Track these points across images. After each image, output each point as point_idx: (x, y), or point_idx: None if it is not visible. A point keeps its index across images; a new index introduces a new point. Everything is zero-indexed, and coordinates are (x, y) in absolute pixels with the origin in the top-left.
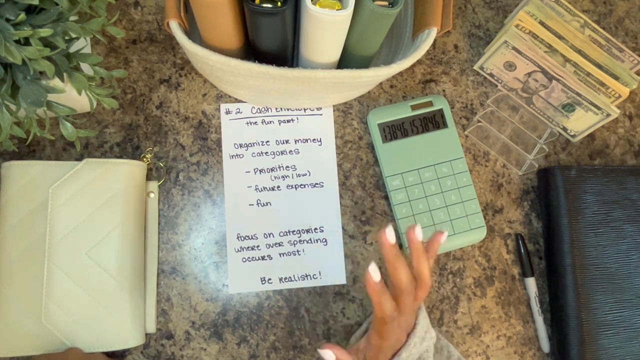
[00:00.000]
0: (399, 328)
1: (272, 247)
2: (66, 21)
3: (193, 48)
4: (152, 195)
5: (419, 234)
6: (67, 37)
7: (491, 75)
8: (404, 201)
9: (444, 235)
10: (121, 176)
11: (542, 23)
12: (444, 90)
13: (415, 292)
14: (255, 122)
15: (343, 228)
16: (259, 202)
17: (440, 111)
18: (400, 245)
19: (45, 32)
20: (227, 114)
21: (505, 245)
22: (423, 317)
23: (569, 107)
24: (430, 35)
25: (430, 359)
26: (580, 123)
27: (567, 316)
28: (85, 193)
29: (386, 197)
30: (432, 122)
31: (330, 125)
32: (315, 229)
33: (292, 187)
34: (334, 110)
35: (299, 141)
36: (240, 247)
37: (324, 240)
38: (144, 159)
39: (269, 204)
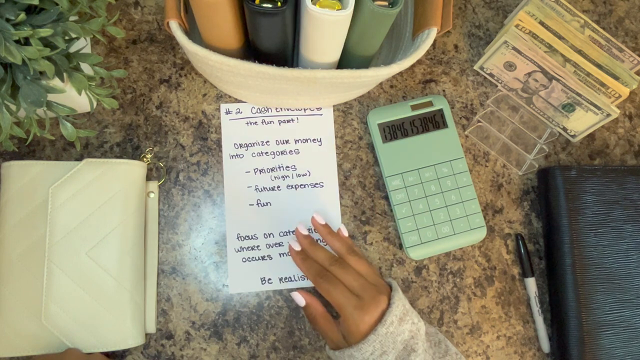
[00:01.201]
0: (354, 293)
1: (272, 247)
2: (66, 21)
3: (193, 48)
4: (152, 195)
5: (319, 219)
6: (67, 37)
7: (491, 75)
8: (404, 201)
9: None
10: (121, 176)
11: (542, 23)
12: (444, 90)
13: (343, 252)
14: (255, 122)
15: None
16: (259, 202)
17: (440, 111)
18: (400, 245)
19: (45, 32)
20: (227, 114)
21: (505, 245)
22: (399, 297)
23: (569, 107)
24: (430, 35)
25: (419, 347)
26: (580, 123)
27: (567, 316)
28: (85, 193)
29: (386, 197)
30: (432, 122)
31: (330, 125)
32: (309, 228)
33: (292, 187)
34: (334, 110)
35: (299, 141)
36: (240, 247)
37: (324, 240)
38: (144, 159)
39: (269, 204)
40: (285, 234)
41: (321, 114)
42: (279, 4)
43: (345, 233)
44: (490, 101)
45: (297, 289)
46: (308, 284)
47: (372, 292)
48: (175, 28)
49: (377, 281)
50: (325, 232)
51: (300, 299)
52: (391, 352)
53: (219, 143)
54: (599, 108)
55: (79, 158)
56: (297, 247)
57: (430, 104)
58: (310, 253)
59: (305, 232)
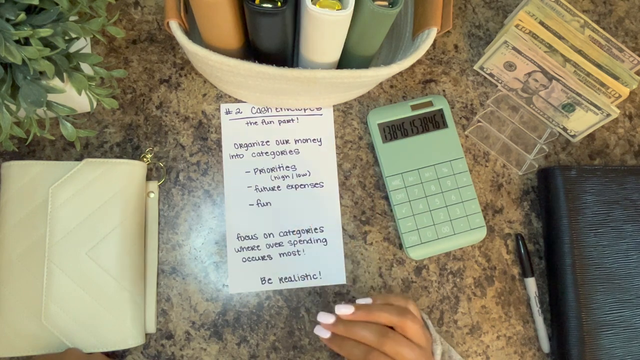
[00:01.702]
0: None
1: (272, 247)
2: (66, 21)
3: (193, 48)
4: (152, 195)
5: (345, 310)
6: (67, 37)
7: (491, 75)
8: (404, 201)
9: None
10: (121, 176)
11: (542, 23)
12: (444, 90)
13: (394, 320)
14: (255, 122)
15: (343, 228)
16: (259, 202)
17: (440, 111)
18: (400, 245)
19: (45, 32)
20: (227, 114)
21: (505, 245)
22: (438, 348)
23: (569, 107)
24: (430, 35)
25: None
26: (580, 123)
27: (567, 316)
28: (85, 193)
29: (386, 197)
30: (432, 122)
31: (330, 125)
32: (315, 229)
33: (292, 187)
34: (334, 110)
35: (299, 141)
36: (240, 247)
37: (324, 240)
38: (144, 159)
39: (269, 204)
40: (285, 234)
41: (321, 114)
42: (279, 4)
43: (348, 310)
44: (490, 101)
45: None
46: (308, 283)
47: (427, 335)
48: (175, 28)
49: (427, 341)
50: (366, 314)
51: (323, 333)
52: None
53: (219, 143)
54: (599, 108)
55: (79, 158)
56: (326, 334)
57: (430, 104)
58: (350, 336)
59: (332, 320)
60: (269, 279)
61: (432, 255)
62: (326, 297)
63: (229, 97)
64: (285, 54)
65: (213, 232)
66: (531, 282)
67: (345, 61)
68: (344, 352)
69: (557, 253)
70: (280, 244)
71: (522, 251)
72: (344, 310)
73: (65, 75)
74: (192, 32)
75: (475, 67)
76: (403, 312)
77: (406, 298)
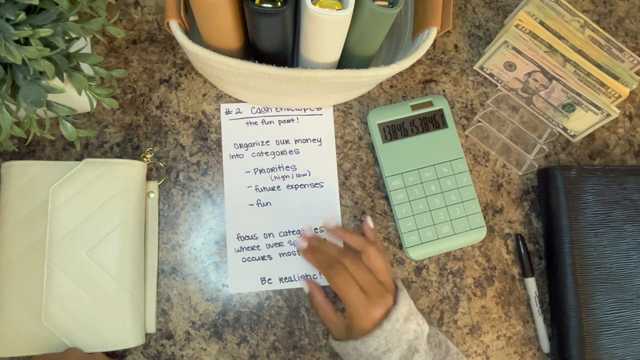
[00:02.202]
0: (362, 289)
1: (272, 247)
2: (66, 21)
3: (193, 48)
4: (152, 195)
5: (328, 223)
6: (67, 37)
7: (491, 75)
8: (404, 201)
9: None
10: (121, 176)
11: (542, 23)
12: (444, 90)
13: (360, 246)
14: (255, 122)
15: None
16: (259, 202)
17: (440, 111)
18: (400, 245)
19: (45, 32)
20: (227, 114)
21: (505, 245)
22: (404, 296)
23: (569, 107)
24: (430, 35)
25: (421, 349)
26: (580, 123)
27: (567, 316)
28: (85, 193)
29: (386, 197)
30: (432, 122)
31: (330, 125)
32: (316, 229)
33: (292, 187)
34: (334, 110)
35: (299, 141)
36: (240, 247)
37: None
38: (144, 159)
39: (269, 204)
40: (285, 234)
41: (321, 114)
42: (279, 4)
43: (371, 224)
44: (490, 101)
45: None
46: None
47: (380, 290)
48: (175, 28)
49: (386, 279)
50: (340, 232)
51: (304, 286)
52: (395, 350)
53: (219, 143)
54: (599, 108)
55: (79, 158)
56: (304, 244)
57: (430, 104)
58: (320, 248)
59: (310, 234)
60: (269, 279)
61: (432, 255)
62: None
63: (229, 97)
64: (285, 54)
65: (213, 232)
66: (531, 282)
67: (345, 61)
68: (314, 260)
69: (557, 253)
70: (280, 244)
71: (522, 251)
72: (327, 222)
73: (65, 75)
74: (192, 32)
75: (475, 67)
76: (368, 242)
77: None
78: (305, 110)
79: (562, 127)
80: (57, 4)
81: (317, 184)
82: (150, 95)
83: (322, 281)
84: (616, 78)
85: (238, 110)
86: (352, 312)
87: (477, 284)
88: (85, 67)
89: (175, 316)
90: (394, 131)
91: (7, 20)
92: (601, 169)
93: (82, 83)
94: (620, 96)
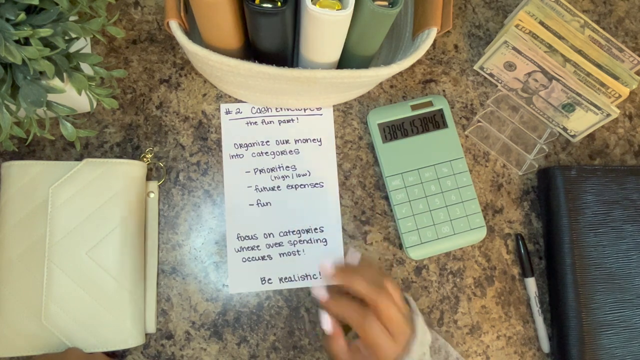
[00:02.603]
0: (391, 335)
1: (272, 247)
2: (66, 21)
3: (193, 48)
4: (152, 195)
5: (325, 267)
6: (67, 37)
7: (491, 75)
8: (404, 201)
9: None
10: (121, 176)
11: (542, 23)
12: (444, 90)
13: (387, 293)
14: (255, 122)
15: (343, 228)
16: (259, 202)
17: (440, 111)
18: (400, 245)
19: (45, 32)
20: (227, 114)
21: (505, 245)
22: (420, 321)
23: (569, 107)
24: (430, 35)
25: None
26: (580, 123)
27: (567, 316)
28: (85, 193)
29: (386, 197)
30: (432, 122)
31: (330, 125)
32: (315, 229)
33: (292, 187)
34: (334, 110)
35: (299, 141)
36: (240, 247)
37: (324, 240)
38: (144, 159)
39: (269, 204)
40: (285, 234)
41: (321, 114)
42: (279, 4)
43: (356, 259)
44: (490, 101)
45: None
46: (308, 283)
47: (403, 327)
48: (175, 28)
49: (406, 311)
50: (348, 279)
51: (328, 326)
52: None
53: (219, 143)
54: (599, 108)
55: (79, 158)
56: (324, 294)
57: (430, 104)
58: (348, 283)
59: (330, 269)
60: (269, 279)
61: (432, 255)
62: None
63: (229, 97)
64: (285, 54)
65: (213, 232)
66: (531, 282)
67: (345, 61)
68: (343, 315)
69: (557, 253)
70: (280, 244)
71: (522, 251)
72: (325, 268)
73: (65, 75)
74: (192, 32)
75: (475, 67)
76: (382, 285)
77: (384, 275)
78: (305, 110)
79: (562, 127)
80: (57, 4)
81: (317, 184)
82: (150, 95)
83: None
84: (616, 78)
85: (238, 110)
86: (381, 356)
87: (477, 284)
88: (85, 67)
89: (175, 316)
90: (394, 131)
91: (7, 20)
92: (601, 169)
93: (82, 83)
94: (620, 96)
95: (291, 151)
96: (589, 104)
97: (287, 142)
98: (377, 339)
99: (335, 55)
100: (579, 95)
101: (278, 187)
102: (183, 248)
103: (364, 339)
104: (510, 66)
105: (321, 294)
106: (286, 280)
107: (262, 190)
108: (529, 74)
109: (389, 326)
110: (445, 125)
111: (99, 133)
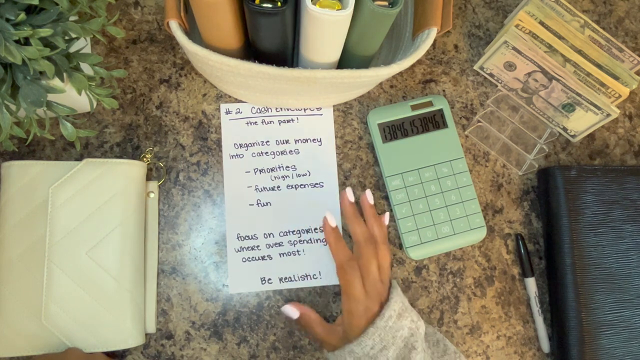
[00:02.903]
0: (364, 287)
1: (272, 247)
2: (66, 21)
3: (193, 48)
4: (152, 195)
5: (369, 198)
6: (67, 37)
7: (491, 75)
8: (404, 201)
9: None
10: (121, 176)
11: (542, 23)
12: (444, 90)
13: (375, 251)
14: (255, 122)
15: (343, 228)
16: (259, 202)
17: (440, 111)
18: (400, 245)
19: (45, 32)
20: (227, 114)
21: (505, 245)
22: (397, 293)
23: (569, 107)
24: (430, 35)
25: (419, 346)
26: (580, 123)
27: (567, 316)
28: (85, 193)
29: (386, 197)
30: (432, 122)
31: (330, 125)
32: (315, 229)
33: (292, 187)
34: (334, 110)
35: (299, 141)
36: (240, 247)
37: (324, 240)
38: (144, 159)
39: (269, 204)
40: (285, 234)
41: (321, 114)
42: (279, 4)
43: (370, 200)
44: (490, 101)
45: (289, 302)
46: (308, 283)
47: (379, 288)
48: (175, 28)
49: (386, 279)
50: (371, 213)
51: (293, 312)
52: (391, 348)
53: (219, 143)
54: (599, 108)
55: (79, 158)
56: (333, 222)
57: (430, 104)
58: (351, 223)
59: (351, 200)
60: (269, 279)
61: (432, 255)
62: (326, 297)
63: (229, 97)
64: (285, 54)
65: (213, 232)
66: (531, 282)
67: (345, 61)
68: (335, 247)
69: (557, 253)
70: (280, 244)
71: (522, 251)
72: (369, 198)
73: (65, 75)
74: (192, 32)
75: (475, 67)
76: (385, 238)
77: (384, 242)
78: (305, 110)
79: (562, 127)
80: (57, 4)
81: (317, 184)
82: (150, 95)
83: (322, 281)
84: (616, 78)
85: (238, 110)
86: (351, 308)
87: (477, 284)
88: (85, 67)
89: (175, 316)
90: (394, 131)
91: (7, 20)
92: (601, 169)
93: (82, 83)
94: (620, 96)
95: (291, 151)
96: (589, 104)
97: (287, 142)
98: (352, 281)
99: (335, 55)
100: (579, 95)
101: (278, 187)
102: (183, 248)
103: (341, 278)
104: (510, 66)
105: (331, 221)
106: (286, 280)
107: (262, 190)
108: (529, 74)
109: (365, 278)
110: (445, 125)
111: (99, 133)
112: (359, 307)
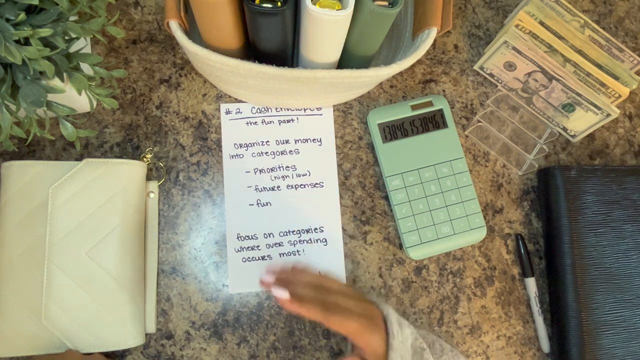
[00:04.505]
0: (350, 312)
1: (272, 247)
2: (66, 21)
3: (193, 48)
4: (152, 195)
5: (283, 295)
6: (67, 37)
7: (491, 75)
8: (404, 201)
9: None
10: (121, 176)
11: (542, 23)
12: (444, 90)
13: (327, 286)
14: (255, 122)
15: (343, 228)
16: (259, 202)
17: (440, 111)
18: (400, 245)
19: (45, 32)
20: (227, 114)
21: (505, 245)
22: (386, 306)
23: (569, 107)
24: (430, 35)
25: (423, 344)
26: (580, 123)
27: (567, 316)
28: (85, 193)
29: (386, 197)
30: (432, 122)
31: (330, 125)
32: (315, 229)
33: (292, 187)
34: (334, 110)
35: (299, 141)
36: (240, 247)
37: (324, 240)
38: (144, 159)
39: (269, 204)
40: (285, 234)
41: (321, 114)
42: (279, 4)
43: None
44: (490, 101)
45: None
46: None
47: (366, 306)
48: (175, 28)
49: (355, 292)
50: (291, 272)
51: (284, 293)
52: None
53: (219, 143)
54: (599, 108)
55: (79, 158)
56: (286, 295)
57: (430, 104)
58: (292, 284)
59: (273, 274)
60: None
61: (432, 255)
62: None
63: (229, 97)
64: (285, 54)
65: (213, 232)
66: (531, 282)
67: (345, 61)
68: (306, 307)
69: (557, 253)
70: (280, 244)
71: (522, 251)
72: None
73: (65, 75)
74: (192, 32)
75: (475, 67)
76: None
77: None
78: (305, 110)
79: (562, 127)
80: (57, 4)
81: (317, 184)
82: (150, 95)
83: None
84: (616, 78)
85: (238, 110)
86: (365, 343)
87: (477, 284)
88: (85, 67)
89: (175, 316)
90: (394, 131)
91: (7, 20)
92: (601, 169)
93: (82, 83)
94: (620, 96)
95: (291, 151)
96: (589, 104)
97: (287, 142)
98: (347, 321)
99: (335, 55)
100: (579, 95)
101: (278, 187)
102: (183, 248)
103: (334, 328)
104: (510, 66)
105: (282, 294)
106: None
107: (262, 190)
108: (529, 74)
109: (356, 305)
110: (445, 125)
111: (99, 133)
112: (366, 335)
